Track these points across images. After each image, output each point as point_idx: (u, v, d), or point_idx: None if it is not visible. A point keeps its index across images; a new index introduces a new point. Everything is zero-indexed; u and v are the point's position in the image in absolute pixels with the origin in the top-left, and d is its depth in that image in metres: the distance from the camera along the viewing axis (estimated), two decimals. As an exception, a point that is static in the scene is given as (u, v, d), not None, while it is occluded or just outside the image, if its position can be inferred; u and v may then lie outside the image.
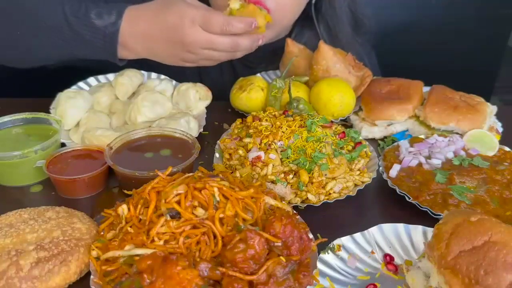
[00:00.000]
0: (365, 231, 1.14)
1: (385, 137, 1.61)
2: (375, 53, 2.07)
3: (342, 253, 1.10)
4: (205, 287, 0.90)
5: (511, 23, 2.55)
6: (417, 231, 1.15)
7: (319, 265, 1.05)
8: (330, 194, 1.25)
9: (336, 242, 1.11)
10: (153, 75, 1.76)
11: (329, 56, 1.66)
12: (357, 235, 1.13)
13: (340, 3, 1.81)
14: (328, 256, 1.08)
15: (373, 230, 1.14)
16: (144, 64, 1.54)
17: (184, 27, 1.37)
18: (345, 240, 1.12)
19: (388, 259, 1.10)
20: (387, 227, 1.15)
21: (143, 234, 0.99)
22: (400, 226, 1.15)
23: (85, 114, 1.51)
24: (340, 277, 1.05)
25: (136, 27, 1.41)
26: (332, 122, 1.46)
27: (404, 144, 1.44)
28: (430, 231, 1.13)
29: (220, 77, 1.94)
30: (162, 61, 1.49)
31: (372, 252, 1.11)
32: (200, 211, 1.01)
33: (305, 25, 1.87)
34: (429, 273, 0.97)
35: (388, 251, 1.12)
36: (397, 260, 1.10)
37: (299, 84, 1.67)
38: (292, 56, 1.71)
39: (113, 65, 1.50)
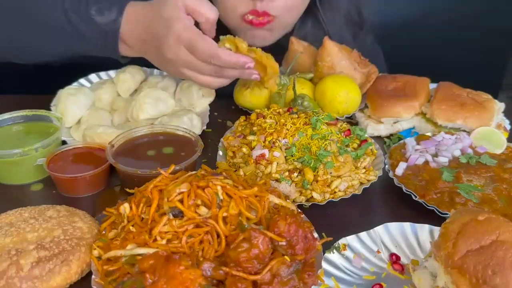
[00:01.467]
0: (371, 230, 1.13)
1: (391, 134, 1.59)
2: (381, 50, 2.06)
3: (348, 253, 1.09)
4: (208, 287, 0.89)
5: (518, 19, 2.53)
6: (424, 230, 1.14)
7: (324, 265, 1.04)
8: (335, 192, 1.24)
9: (342, 241, 1.10)
10: (156, 71, 1.75)
11: (334, 53, 1.65)
12: (363, 234, 1.12)
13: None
14: (333, 256, 1.07)
15: (379, 229, 1.13)
16: (146, 61, 1.53)
17: (167, 41, 1.34)
18: (350, 239, 1.11)
19: (394, 259, 1.09)
20: (393, 226, 1.14)
21: (145, 233, 0.98)
22: (407, 225, 1.14)
23: (86, 111, 1.50)
24: (345, 276, 1.04)
25: (132, 26, 1.40)
26: (337, 119, 1.45)
27: (410, 141, 1.43)
28: (437, 230, 1.12)
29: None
30: (153, 63, 1.48)
31: (378, 252, 1.10)
32: (203, 210, 0.99)
33: (307, 19, 1.86)
34: (436, 273, 0.96)
35: (394, 250, 1.11)
36: (404, 260, 1.09)
37: (304, 81, 1.66)
38: (296, 54, 1.70)
39: (116, 61, 1.49)
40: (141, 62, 1.63)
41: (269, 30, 1.68)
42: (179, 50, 1.34)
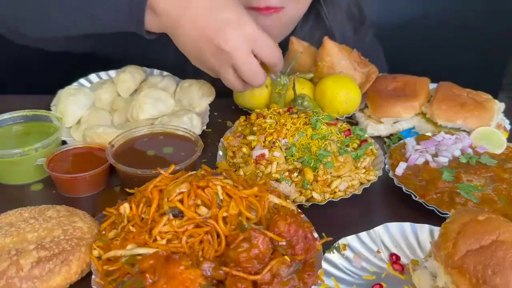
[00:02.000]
0: (371, 230, 1.12)
1: (391, 134, 1.59)
2: (381, 50, 2.06)
3: (348, 253, 1.08)
4: (208, 287, 0.89)
5: (518, 19, 2.53)
6: (424, 230, 1.14)
7: (324, 265, 1.04)
8: (335, 192, 1.24)
9: (342, 241, 1.10)
10: (156, 71, 1.74)
11: (334, 53, 1.65)
12: (363, 234, 1.12)
13: None
14: (333, 256, 1.07)
15: (379, 229, 1.13)
16: (146, 60, 1.52)
17: (234, 31, 1.23)
18: (350, 239, 1.10)
19: (394, 259, 1.08)
20: (393, 226, 1.14)
21: (145, 233, 0.98)
22: (407, 225, 1.14)
23: (86, 111, 1.50)
24: (345, 276, 1.04)
25: None
26: (337, 119, 1.44)
27: (410, 141, 1.42)
28: (436, 230, 1.12)
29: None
30: (178, 44, 1.33)
31: (378, 252, 1.10)
32: (203, 210, 0.99)
33: (309, 16, 1.86)
34: (436, 273, 0.96)
35: (394, 250, 1.11)
36: (403, 260, 1.09)
37: (304, 81, 1.66)
38: (296, 54, 1.70)
39: (117, 59, 1.46)
40: (142, 62, 1.64)
41: (278, 20, 1.68)
42: (242, 47, 1.26)
